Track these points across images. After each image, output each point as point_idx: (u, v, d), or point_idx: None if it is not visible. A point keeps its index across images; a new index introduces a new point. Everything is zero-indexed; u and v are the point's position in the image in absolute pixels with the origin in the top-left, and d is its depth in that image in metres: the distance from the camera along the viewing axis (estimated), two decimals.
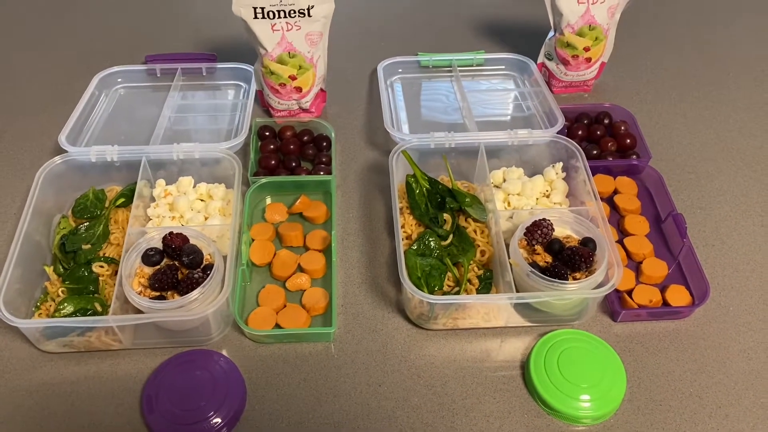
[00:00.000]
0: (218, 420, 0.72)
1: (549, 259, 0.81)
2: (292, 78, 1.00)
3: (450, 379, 0.78)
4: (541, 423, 0.74)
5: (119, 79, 1.13)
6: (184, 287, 0.76)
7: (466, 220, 0.90)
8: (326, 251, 0.89)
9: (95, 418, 0.74)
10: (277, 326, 0.81)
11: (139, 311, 0.77)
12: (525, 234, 0.83)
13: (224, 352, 0.79)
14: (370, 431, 0.73)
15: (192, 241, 0.81)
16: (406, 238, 0.89)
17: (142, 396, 0.75)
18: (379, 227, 0.94)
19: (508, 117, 1.11)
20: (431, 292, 0.81)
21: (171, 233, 0.80)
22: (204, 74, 1.14)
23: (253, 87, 1.07)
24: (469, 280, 0.83)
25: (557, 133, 0.96)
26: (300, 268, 0.87)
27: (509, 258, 0.81)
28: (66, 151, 0.92)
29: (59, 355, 0.79)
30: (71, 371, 0.78)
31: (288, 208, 0.95)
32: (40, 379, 0.77)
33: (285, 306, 0.83)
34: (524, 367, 0.79)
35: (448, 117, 1.10)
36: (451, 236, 0.87)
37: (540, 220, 0.82)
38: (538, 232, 0.81)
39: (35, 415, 0.74)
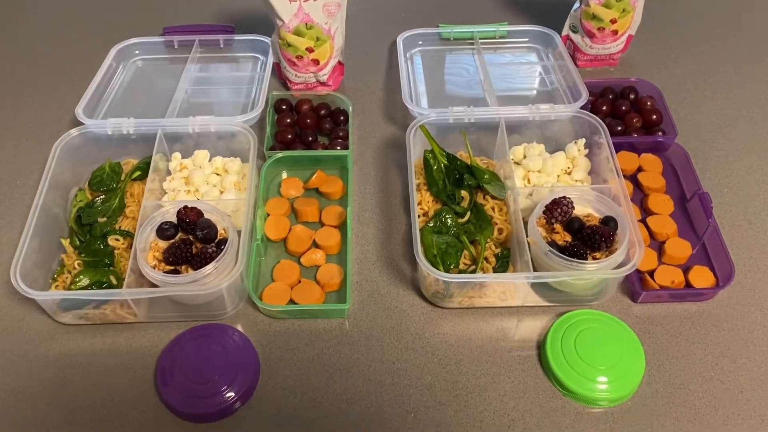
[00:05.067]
0: (231, 394, 0.72)
1: (568, 238, 0.79)
2: (309, 50, 0.99)
3: (464, 357, 0.77)
4: (556, 404, 0.73)
5: (137, 51, 1.12)
6: (198, 261, 0.75)
7: (484, 198, 0.88)
8: (342, 227, 0.88)
9: (110, 389, 0.75)
10: (292, 302, 0.81)
11: (154, 285, 0.77)
12: (544, 212, 0.81)
13: (238, 327, 0.79)
14: (383, 408, 0.73)
15: (206, 215, 0.80)
16: (423, 215, 0.87)
17: (156, 369, 0.75)
18: (395, 203, 0.93)
19: (531, 91, 1.08)
20: (447, 271, 0.79)
21: (185, 207, 0.79)
22: (221, 46, 1.13)
23: (271, 59, 1.05)
24: (485, 259, 0.82)
25: (581, 108, 0.93)
26: (315, 244, 0.87)
27: (527, 236, 0.79)
28: (83, 124, 0.92)
29: (75, 327, 0.80)
30: (87, 343, 0.78)
31: (304, 183, 0.94)
32: (56, 350, 0.78)
33: (299, 282, 0.83)
34: (540, 347, 0.77)
35: (468, 91, 1.07)
36: (468, 213, 0.86)
37: (560, 198, 0.80)
38: (557, 210, 0.79)
39: (51, 386, 0.75)
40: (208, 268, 0.75)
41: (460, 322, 0.80)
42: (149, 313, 0.79)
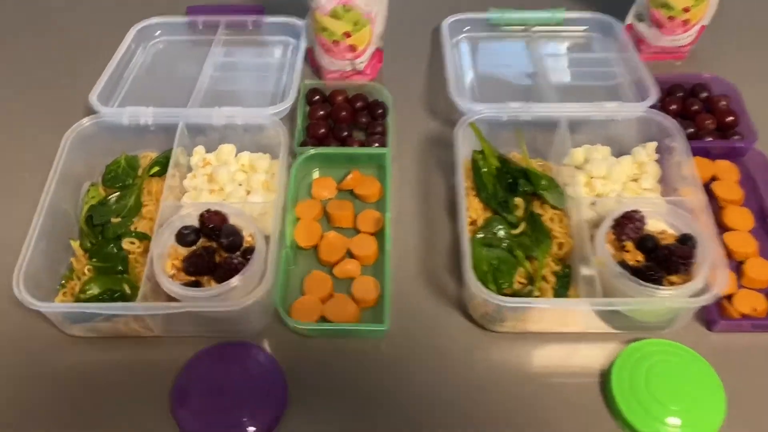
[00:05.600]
0: (256, 422, 0.64)
1: (640, 257, 0.70)
2: (347, 35, 0.89)
3: (517, 388, 0.68)
4: None
5: (158, 32, 1.04)
6: (222, 273, 0.67)
7: (541, 206, 0.78)
8: (378, 234, 0.79)
9: (122, 409, 0.67)
10: (323, 319, 0.72)
11: (172, 296, 0.69)
12: (613, 227, 0.71)
13: (264, 345, 0.71)
14: None
15: (231, 220, 0.72)
16: (470, 224, 0.78)
17: (172, 389, 0.67)
18: (438, 209, 0.83)
19: (590, 86, 0.96)
20: (500, 290, 0.70)
21: (209, 211, 0.71)
22: (250, 28, 1.04)
23: (303, 44, 0.96)
24: (543, 277, 0.73)
25: (649, 107, 0.83)
26: (349, 253, 0.78)
27: (594, 254, 0.70)
28: (97, 112, 0.84)
29: (86, 339, 0.72)
30: (97, 357, 0.71)
31: (337, 184, 0.85)
32: (64, 364, 0.71)
33: (332, 296, 0.74)
34: (604, 380, 0.68)
35: (520, 84, 0.97)
36: (523, 224, 0.76)
37: (631, 211, 0.71)
38: (629, 225, 0.70)
39: (58, 401, 0.68)
40: (234, 281, 0.66)
41: (512, 348, 0.71)
42: (166, 326, 0.71)
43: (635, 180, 0.81)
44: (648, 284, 0.65)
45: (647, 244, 0.69)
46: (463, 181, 0.78)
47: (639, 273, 0.67)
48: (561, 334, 0.72)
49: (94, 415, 0.67)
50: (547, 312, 0.69)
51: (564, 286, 0.72)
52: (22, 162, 0.89)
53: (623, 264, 0.68)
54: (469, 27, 1.04)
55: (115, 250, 0.74)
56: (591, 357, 0.70)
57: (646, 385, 0.66)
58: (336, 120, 0.91)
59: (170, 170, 0.77)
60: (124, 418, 0.67)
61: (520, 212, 0.77)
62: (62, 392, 0.68)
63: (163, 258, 0.70)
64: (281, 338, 0.72)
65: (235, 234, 0.70)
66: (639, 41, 0.99)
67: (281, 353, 0.70)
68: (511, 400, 0.67)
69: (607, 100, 0.84)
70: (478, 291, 0.66)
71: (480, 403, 0.67)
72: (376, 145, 0.87)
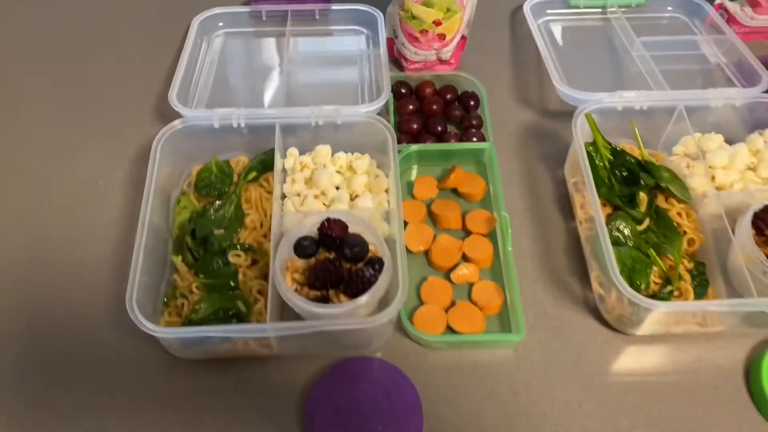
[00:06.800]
0: None
1: None
2: (437, 23, 0.84)
3: (663, 395, 0.65)
4: None
5: (220, 24, 0.97)
6: (354, 287, 0.62)
7: (666, 201, 0.74)
8: (490, 236, 0.75)
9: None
10: (449, 329, 0.68)
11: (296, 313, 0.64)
12: (754, 221, 0.67)
13: (389, 360, 0.67)
14: None
15: (351, 228, 0.67)
16: (585, 222, 0.75)
17: (304, 413, 0.63)
18: (548, 206, 0.79)
19: (687, 70, 0.92)
20: (636, 292, 0.67)
21: (329, 220, 0.66)
22: (317, 18, 0.98)
23: (383, 34, 0.90)
24: (680, 276, 0.69)
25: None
26: (464, 257, 0.74)
27: (742, 251, 0.66)
28: (170, 114, 0.77)
29: (195, 361, 0.67)
30: (212, 379, 0.66)
31: (438, 182, 0.80)
32: (177, 388, 0.65)
33: (454, 304, 0.70)
34: (752, 380, 0.65)
35: (614, 70, 0.92)
36: (647, 220, 0.73)
37: None
38: None
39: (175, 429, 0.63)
40: (367, 295, 0.61)
41: (652, 352, 0.68)
42: (286, 345, 0.66)
43: (752, 169, 0.78)
44: None
45: None
46: (572, 176, 0.75)
47: None
48: (700, 334, 0.69)
49: None
50: (689, 314, 0.66)
51: (701, 285, 0.69)
52: (93, 168, 0.82)
53: None
54: (548, 9, 0.99)
55: (222, 265, 0.69)
56: (732, 354, 0.67)
57: None
58: (427, 114, 0.86)
59: (276, 175, 0.72)
60: None
61: (643, 207, 0.73)
62: (177, 418, 0.63)
63: (282, 271, 0.65)
64: (404, 351, 0.68)
65: (360, 243, 0.65)
66: (731, 21, 0.95)
67: (408, 368, 0.66)
68: (659, 408, 0.64)
69: (711, 86, 0.81)
70: (634, 298, 0.61)
71: (628, 413, 0.64)
72: (474, 139, 0.82)
